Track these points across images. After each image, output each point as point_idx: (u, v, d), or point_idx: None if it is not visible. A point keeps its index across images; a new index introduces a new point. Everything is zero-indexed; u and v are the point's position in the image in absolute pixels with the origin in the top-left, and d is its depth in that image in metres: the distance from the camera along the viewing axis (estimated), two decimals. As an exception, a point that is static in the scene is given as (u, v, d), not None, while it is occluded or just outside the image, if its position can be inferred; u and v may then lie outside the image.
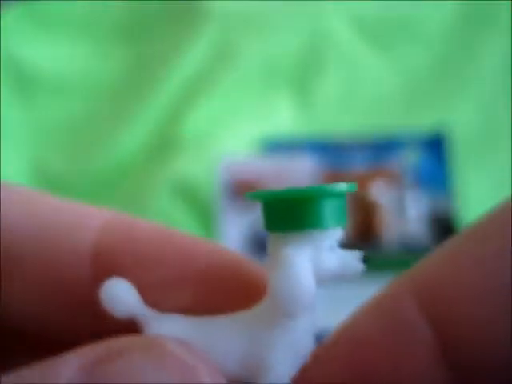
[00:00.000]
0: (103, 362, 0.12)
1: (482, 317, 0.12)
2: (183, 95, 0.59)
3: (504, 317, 0.12)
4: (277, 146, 0.58)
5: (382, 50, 0.62)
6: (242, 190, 0.56)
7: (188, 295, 0.16)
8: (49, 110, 0.60)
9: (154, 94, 0.59)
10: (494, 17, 0.62)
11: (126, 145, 0.58)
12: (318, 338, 0.14)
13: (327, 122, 0.60)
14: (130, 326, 0.15)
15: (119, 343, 0.13)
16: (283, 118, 0.59)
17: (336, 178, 0.57)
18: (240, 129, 0.58)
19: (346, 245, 0.15)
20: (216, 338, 0.14)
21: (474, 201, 0.56)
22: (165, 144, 0.58)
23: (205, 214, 0.56)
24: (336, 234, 0.14)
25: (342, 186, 0.14)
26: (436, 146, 0.59)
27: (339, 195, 0.14)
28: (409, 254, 0.56)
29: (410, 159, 0.59)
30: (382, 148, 0.59)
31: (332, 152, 0.59)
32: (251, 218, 0.55)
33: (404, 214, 0.57)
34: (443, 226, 0.57)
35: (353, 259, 0.14)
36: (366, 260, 0.14)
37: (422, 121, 0.59)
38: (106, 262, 0.16)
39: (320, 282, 0.14)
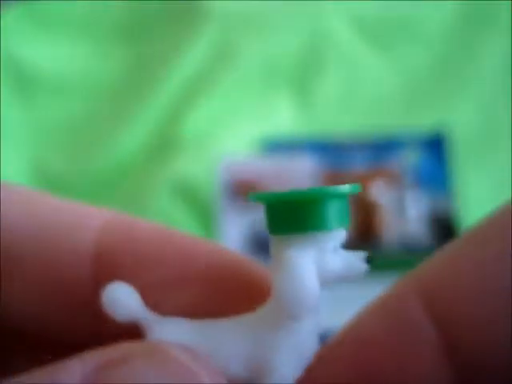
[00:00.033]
0: (107, 369, 0.12)
1: (481, 319, 0.12)
2: (183, 95, 0.59)
3: (504, 319, 0.12)
4: (277, 146, 0.58)
5: (382, 50, 0.62)
6: (242, 190, 0.56)
7: (188, 295, 0.16)
8: (49, 110, 0.60)
9: (153, 93, 0.59)
10: (494, 17, 0.62)
11: (126, 145, 0.58)
12: (321, 339, 0.14)
13: (327, 121, 0.60)
14: (131, 327, 0.15)
15: (122, 349, 0.13)
16: (283, 117, 0.59)
17: (336, 178, 0.57)
18: (240, 129, 0.58)
19: (346, 245, 0.15)
20: (220, 340, 0.14)
21: (473, 201, 0.56)
22: (165, 144, 0.58)
23: (205, 214, 0.56)
24: (339, 235, 0.14)
25: (346, 188, 0.14)
26: (436, 146, 0.59)
27: (342, 196, 0.14)
28: (409, 253, 0.56)
29: (410, 159, 0.59)
30: (381, 148, 0.59)
31: (332, 152, 0.59)
32: (251, 218, 0.55)
33: (404, 214, 0.57)
34: (443, 226, 0.57)
35: (356, 260, 0.14)
36: (369, 260, 0.14)
37: (422, 121, 0.59)
38: (106, 262, 0.16)
39: (324, 283, 0.14)
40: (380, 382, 0.13)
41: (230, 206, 0.56)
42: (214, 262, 0.16)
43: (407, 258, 0.55)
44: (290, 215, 0.14)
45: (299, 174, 0.57)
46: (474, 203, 0.56)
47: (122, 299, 0.14)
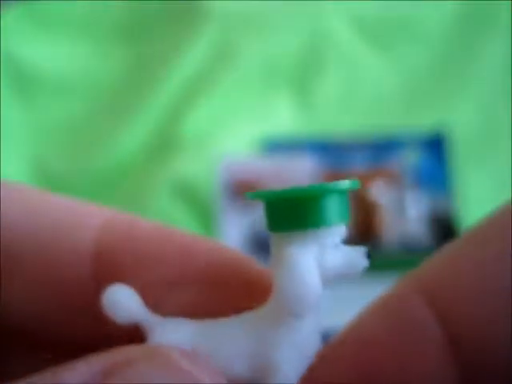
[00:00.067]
0: (112, 372, 0.13)
1: (482, 318, 0.12)
2: (183, 95, 0.59)
3: (504, 319, 0.12)
4: (277, 146, 0.58)
5: (381, 50, 0.62)
6: (242, 190, 0.56)
7: (189, 294, 0.15)
8: (49, 110, 0.60)
9: (154, 93, 0.59)
10: (494, 17, 0.62)
11: (126, 145, 0.58)
12: (323, 339, 0.14)
13: (327, 121, 0.60)
14: (132, 327, 0.15)
15: (126, 353, 0.13)
16: (283, 117, 0.59)
17: (336, 178, 0.57)
18: (240, 129, 0.58)
19: (346, 244, 0.15)
20: (223, 341, 0.14)
21: (473, 201, 0.57)
22: (165, 144, 0.58)
23: (205, 214, 0.56)
24: (339, 231, 0.14)
25: (345, 183, 0.14)
26: (436, 146, 0.59)
27: (341, 192, 0.14)
28: (409, 253, 0.56)
29: (410, 159, 0.59)
30: (382, 148, 0.59)
31: (332, 152, 0.59)
32: (251, 217, 0.55)
33: (404, 214, 0.57)
34: (443, 226, 0.57)
35: (357, 255, 0.14)
36: (370, 255, 0.14)
37: (422, 121, 0.59)
38: (106, 260, 0.16)
39: (326, 280, 0.14)
40: (382, 382, 0.13)
41: (229, 206, 0.56)
42: (214, 260, 0.16)
43: (407, 258, 0.55)
44: (290, 212, 0.14)
45: (299, 173, 0.57)
46: (474, 203, 0.56)
47: (123, 301, 0.14)
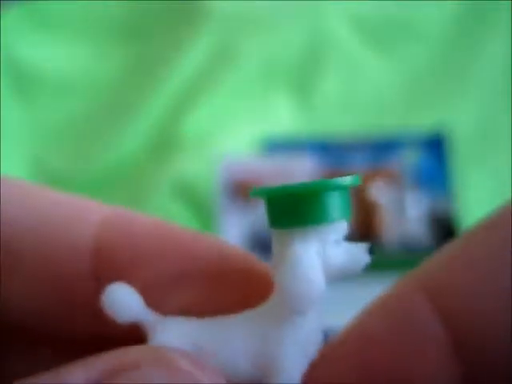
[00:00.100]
0: (117, 374, 0.12)
1: (483, 316, 0.12)
2: (183, 95, 0.59)
3: (505, 317, 0.12)
4: (277, 146, 0.58)
5: (381, 50, 0.62)
6: (241, 190, 0.56)
7: (189, 290, 0.15)
8: (49, 110, 0.60)
9: (154, 93, 0.59)
10: (494, 17, 0.62)
11: (127, 144, 0.58)
12: (324, 338, 0.14)
13: (327, 122, 0.60)
14: (131, 324, 0.15)
15: (132, 354, 0.13)
16: (283, 117, 0.59)
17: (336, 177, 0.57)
18: (240, 129, 0.58)
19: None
20: (225, 339, 0.14)
21: (473, 201, 0.56)
22: (165, 144, 0.58)
23: (205, 214, 0.56)
24: (341, 227, 0.14)
25: (346, 180, 0.14)
26: (436, 146, 0.59)
27: (343, 188, 0.14)
28: (409, 253, 0.56)
29: (410, 159, 0.59)
30: (381, 148, 0.59)
31: (332, 152, 0.59)
32: (251, 217, 0.55)
33: (404, 214, 0.57)
34: (443, 226, 0.57)
35: (359, 251, 0.14)
36: (372, 251, 0.14)
37: (422, 121, 0.59)
38: (106, 256, 0.16)
39: (328, 276, 0.14)
40: (383, 382, 0.13)
41: (229, 206, 0.56)
42: (214, 257, 0.16)
43: (407, 258, 0.55)
44: (292, 208, 0.14)
45: (299, 173, 0.57)
46: (474, 203, 0.56)
47: (123, 300, 0.14)
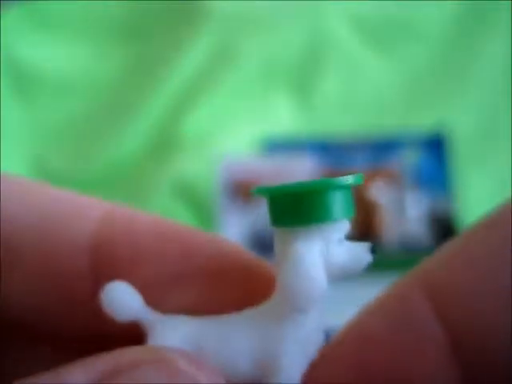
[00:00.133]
0: (112, 376, 0.12)
1: (482, 315, 0.12)
2: (183, 95, 0.59)
3: (504, 316, 0.12)
4: (277, 146, 0.58)
5: (381, 50, 0.62)
6: (241, 190, 0.56)
7: (190, 288, 0.15)
8: (49, 110, 0.60)
9: (154, 93, 0.59)
10: (494, 17, 0.62)
11: (127, 144, 0.58)
12: (325, 338, 0.14)
13: (327, 122, 0.60)
14: (130, 322, 0.15)
15: (131, 354, 0.13)
16: (283, 117, 0.59)
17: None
18: (240, 129, 0.58)
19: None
20: (226, 337, 0.14)
21: (473, 201, 0.56)
22: (165, 144, 0.58)
23: (205, 214, 0.56)
24: (344, 226, 0.14)
25: (349, 178, 0.14)
26: (436, 146, 0.59)
27: (345, 187, 0.14)
28: (409, 253, 0.56)
29: (410, 159, 0.59)
30: (381, 148, 0.59)
31: (332, 152, 0.59)
32: (251, 217, 0.55)
33: (404, 214, 0.57)
34: (443, 226, 0.57)
35: (362, 251, 0.14)
36: (374, 250, 0.14)
37: (422, 121, 0.59)
38: (105, 253, 0.16)
39: (331, 275, 0.14)
40: (382, 381, 0.13)
41: (229, 206, 0.56)
42: (214, 254, 0.16)
43: (407, 258, 0.55)
44: (294, 207, 0.14)
45: (299, 173, 0.57)
46: (474, 203, 0.56)
47: (122, 299, 0.14)
